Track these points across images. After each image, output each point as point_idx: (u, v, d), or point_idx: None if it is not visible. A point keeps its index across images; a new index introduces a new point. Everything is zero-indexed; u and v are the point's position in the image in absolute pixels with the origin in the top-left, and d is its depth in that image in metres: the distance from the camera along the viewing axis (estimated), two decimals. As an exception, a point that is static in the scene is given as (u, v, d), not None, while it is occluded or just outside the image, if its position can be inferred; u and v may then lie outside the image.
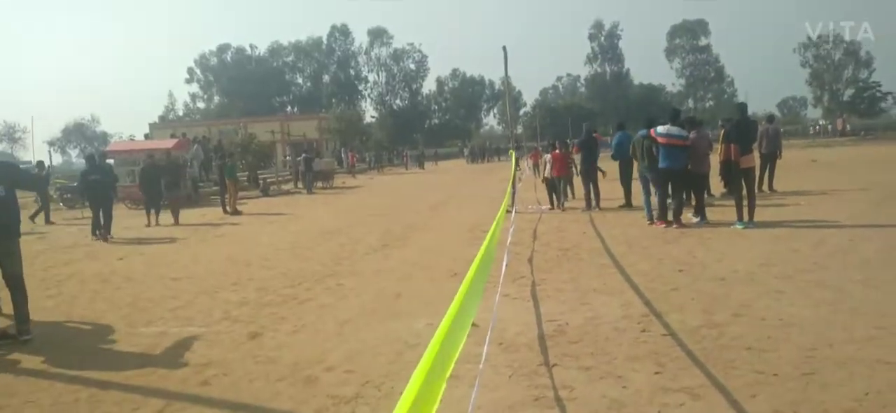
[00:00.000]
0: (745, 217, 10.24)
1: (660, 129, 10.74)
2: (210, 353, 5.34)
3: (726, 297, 6.19)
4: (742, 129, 10.39)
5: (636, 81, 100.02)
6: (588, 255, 8.79)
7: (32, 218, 17.43)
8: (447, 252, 9.72)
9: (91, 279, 8.94)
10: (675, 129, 10.67)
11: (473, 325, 5.64)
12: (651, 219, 11.05)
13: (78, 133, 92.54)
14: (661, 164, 10.71)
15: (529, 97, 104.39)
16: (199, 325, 6.22)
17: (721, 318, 5.55)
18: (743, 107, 11.07)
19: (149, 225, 15.30)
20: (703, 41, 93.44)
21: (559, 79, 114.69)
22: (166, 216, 16.03)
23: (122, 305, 7.27)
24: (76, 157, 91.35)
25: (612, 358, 4.72)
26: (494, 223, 3.92)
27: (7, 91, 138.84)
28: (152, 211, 15.87)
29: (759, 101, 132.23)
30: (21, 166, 6.53)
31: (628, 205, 13.59)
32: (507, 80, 16.90)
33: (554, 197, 14.55)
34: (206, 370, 4.91)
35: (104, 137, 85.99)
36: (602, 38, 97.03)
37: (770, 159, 15.37)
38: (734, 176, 10.60)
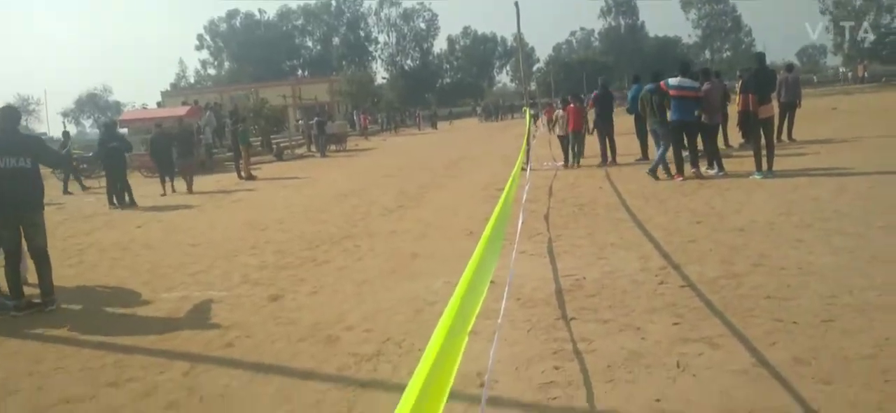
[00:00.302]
0: (764, 166, 10.14)
1: (671, 81, 10.63)
2: (232, 316, 5.42)
3: (745, 248, 6.16)
4: (760, 78, 10.23)
5: (651, 34, 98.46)
6: (604, 210, 8.76)
7: (65, 191, 17.77)
8: (462, 211, 9.73)
9: (111, 247, 9.06)
10: (686, 81, 10.55)
11: (491, 281, 5.68)
12: (668, 173, 10.95)
13: (91, 103, 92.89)
14: (673, 117, 10.60)
15: (542, 53, 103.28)
16: (220, 290, 6.30)
17: (740, 268, 5.53)
18: (761, 56, 10.90)
19: (164, 194, 15.23)
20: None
21: (573, 33, 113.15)
22: (181, 184, 15.97)
23: (143, 272, 7.37)
24: (90, 128, 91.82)
25: (630, 310, 4.73)
26: (509, 181, 3.90)
27: (20, 64, 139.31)
28: (166, 179, 15.76)
29: (779, 50, 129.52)
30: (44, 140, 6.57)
31: (645, 158, 13.49)
32: (519, 37, 16.67)
33: (570, 153, 14.28)
34: (228, 333, 4.98)
35: (117, 107, 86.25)
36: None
37: (789, 108, 15.16)
38: (753, 126, 10.46)
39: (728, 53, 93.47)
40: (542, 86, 74.46)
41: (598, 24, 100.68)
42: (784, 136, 14.98)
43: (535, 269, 6.02)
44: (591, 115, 14.41)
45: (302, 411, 3.59)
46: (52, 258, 6.32)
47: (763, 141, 10.25)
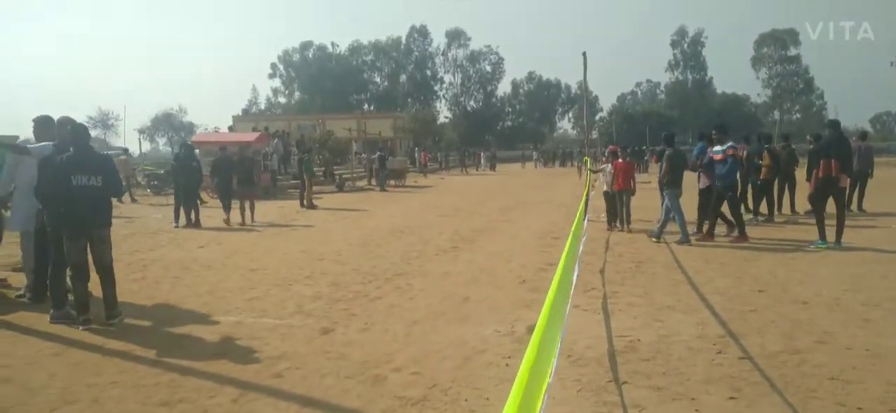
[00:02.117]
0: (832, 238, 9.76)
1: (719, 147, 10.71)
2: (283, 345, 5.51)
3: (809, 322, 5.91)
4: (841, 145, 9.94)
5: (719, 90, 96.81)
6: (662, 270, 8.57)
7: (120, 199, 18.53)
8: (516, 258, 9.67)
9: (173, 266, 9.37)
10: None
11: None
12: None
13: (166, 122, 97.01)
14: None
15: (606, 102, 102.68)
16: (274, 318, 6.42)
17: (803, 344, 5.30)
18: (836, 123, 10.63)
19: (227, 220, 14.40)
20: (792, 51, 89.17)
21: (638, 85, 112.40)
22: (236, 214, 14.69)
23: (202, 293, 7.59)
24: (163, 146, 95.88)
25: (686, 379, 4.58)
26: (570, 237, 3.87)
27: (103, 79, 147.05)
28: (226, 205, 14.77)
29: (851, 115, 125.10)
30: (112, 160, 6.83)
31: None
32: (585, 85, 16.68)
33: (621, 213, 12.44)
34: (278, 363, 5.06)
35: (190, 127, 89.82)
36: (685, 45, 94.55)
37: (861, 178, 14.60)
38: (822, 193, 10.08)
39: (798, 115, 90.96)
40: (605, 135, 73.95)
41: (664, 78, 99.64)
42: (854, 207, 14.41)
43: (588, 326, 5.91)
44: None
45: (345, 451, 3.60)
46: (117, 272, 6.56)
47: (835, 210, 9.91)
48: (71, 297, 6.38)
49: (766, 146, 13.29)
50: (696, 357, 5.05)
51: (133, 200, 20.89)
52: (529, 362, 1.75)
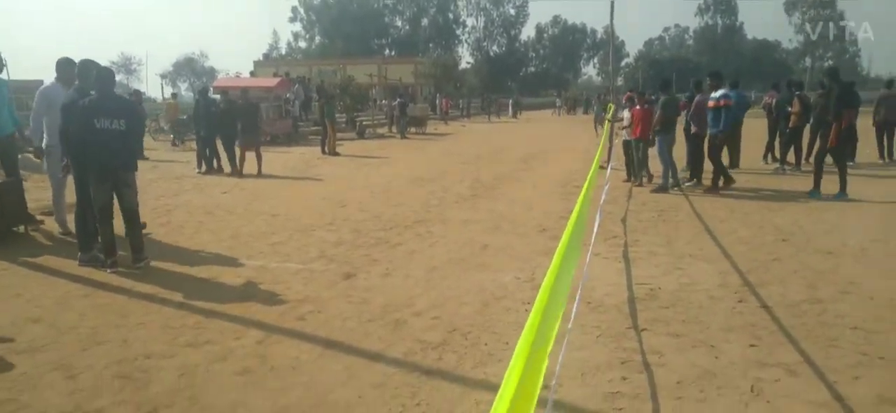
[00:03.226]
0: (829, 190, 9.72)
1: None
2: (306, 289, 5.59)
3: (833, 272, 5.86)
4: (852, 96, 9.79)
5: (750, 36, 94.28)
6: (685, 219, 8.51)
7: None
8: (537, 206, 9.65)
9: (197, 211, 9.49)
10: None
11: (561, 281, 5.63)
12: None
13: (187, 67, 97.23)
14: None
15: (633, 48, 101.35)
16: (297, 262, 6.51)
17: (826, 293, 5.27)
18: (834, 71, 10.68)
19: (238, 171, 13.65)
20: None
21: (666, 30, 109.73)
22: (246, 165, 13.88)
23: (226, 238, 7.69)
24: (185, 91, 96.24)
25: (705, 327, 4.59)
26: (586, 182, 3.83)
27: (125, 23, 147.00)
28: (229, 156, 14.10)
29: (884, 64, 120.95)
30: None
31: (733, 165, 13.03)
32: (611, 30, 16.31)
33: (632, 165, 11.87)
34: (301, 306, 5.15)
35: (212, 72, 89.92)
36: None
37: (888, 127, 14.25)
38: (843, 142, 9.85)
39: (830, 62, 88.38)
40: (630, 81, 72.66)
41: (693, 22, 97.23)
42: (885, 156, 14.11)
43: (608, 274, 5.91)
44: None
45: (367, 391, 3.68)
46: (145, 216, 6.66)
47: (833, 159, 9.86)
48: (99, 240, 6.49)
49: (798, 93, 12.97)
50: (716, 305, 5.04)
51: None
52: (541, 304, 1.75)
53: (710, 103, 10.54)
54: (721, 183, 10.63)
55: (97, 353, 4.25)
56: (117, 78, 6.91)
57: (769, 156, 14.25)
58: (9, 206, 7.37)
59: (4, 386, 3.76)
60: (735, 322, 4.68)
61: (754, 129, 14.61)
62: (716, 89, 10.66)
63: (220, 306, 5.16)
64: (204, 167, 14.36)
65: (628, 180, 11.87)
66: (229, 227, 8.31)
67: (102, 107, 6.04)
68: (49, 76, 8.69)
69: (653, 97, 12.45)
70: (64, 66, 7.11)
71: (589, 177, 4.28)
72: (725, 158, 12.53)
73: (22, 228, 7.58)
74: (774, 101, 13.96)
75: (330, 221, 8.59)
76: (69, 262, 6.47)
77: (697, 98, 11.16)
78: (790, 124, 12.86)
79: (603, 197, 8.09)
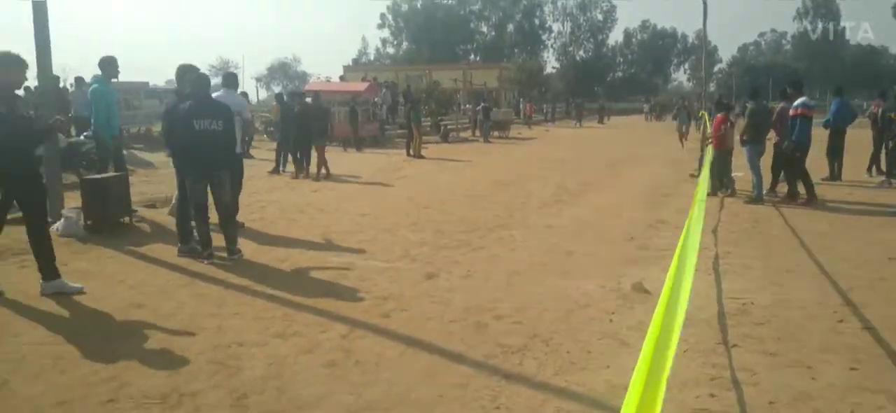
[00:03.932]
0: None
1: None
2: (390, 287, 5.70)
3: (948, 296, 5.44)
4: None
5: (853, 41, 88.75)
6: (781, 231, 8.11)
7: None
8: (624, 214, 9.45)
9: (289, 208, 9.84)
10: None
11: (646, 291, 5.49)
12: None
13: (281, 71, 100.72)
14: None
15: (726, 53, 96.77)
16: (382, 261, 6.64)
17: (939, 318, 4.89)
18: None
19: (305, 174, 13.56)
20: (943, -3, 79.89)
21: (762, 35, 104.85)
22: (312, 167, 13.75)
23: (316, 235, 7.94)
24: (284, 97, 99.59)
25: (802, 346, 4.36)
26: (695, 202, 3.72)
27: (223, 30, 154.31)
28: (303, 160, 13.82)
29: None
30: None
31: (835, 178, 12.33)
32: (704, 34, 15.73)
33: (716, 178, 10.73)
34: (385, 304, 5.25)
35: (304, 76, 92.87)
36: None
37: None
38: None
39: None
40: (723, 87, 69.85)
41: (791, 27, 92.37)
42: None
43: (697, 286, 5.67)
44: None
45: (448, 391, 3.71)
46: (239, 211, 6.92)
47: None
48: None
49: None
50: (814, 324, 4.78)
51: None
52: (657, 325, 1.75)
53: (791, 112, 10.06)
54: (800, 196, 10.13)
55: (194, 340, 4.48)
56: (215, 81, 7.29)
57: (874, 168, 13.37)
58: (115, 199, 7.87)
59: (109, 365, 4.01)
60: (834, 343, 4.42)
61: (859, 139, 13.75)
62: (795, 98, 10.15)
63: (308, 300, 5.33)
64: (290, 168, 14.07)
65: (711, 194, 10.61)
66: (319, 224, 8.58)
67: (200, 109, 6.37)
68: (152, 78, 9.28)
69: (725, 102, 11.94)
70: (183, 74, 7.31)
71: (698, 197, 4.08)
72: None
73: (127, 220, 8.08)
74: (881, 110, 13.09)
75: (414, 222, 8.71)
76: (169, 253, 6.85)
77: (781, 106, 10.70)
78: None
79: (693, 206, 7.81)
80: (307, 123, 13.61)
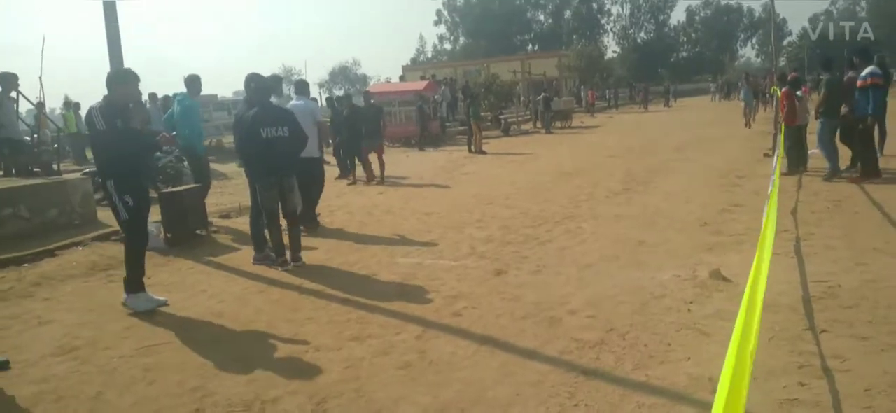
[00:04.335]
0: None
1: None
2: (459, 286, 5.71)
3: None
4: None
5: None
6: (865, 209, 7.70)
7: None
8: (695, 198, 9.17)
9: (358, 211, 9.98)
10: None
11: (725, 279, 5.30)
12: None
13: (342, 75, 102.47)
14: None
15: (795, 26, 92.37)
16: (450, 259, 6.66)
17: None
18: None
19: (354, 181, 13.33)
20: None
21: (833, 3, 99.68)
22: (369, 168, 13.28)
23: (384, 235, 8.04)
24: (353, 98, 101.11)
25: (896, 329, 4.12)
26: (773, 188, 3.57)
27: (285, 36, 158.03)
28: (349, 164, 13.70)
29: None
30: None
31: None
32: (772, 7, 15.10)
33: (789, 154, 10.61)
34: (456, 302, 5.26)
35: (364, 79, 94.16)
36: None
37: None
38: None
39: None
40: (793, 62, 66.84)
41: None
42: None
43: (779, 271, 5.46)
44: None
45: (524, 389, 3.68)
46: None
47: None
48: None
49: None
50: (909, 306, 4.51)
51: None
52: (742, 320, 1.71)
53: (859, 83, 9.46)
54: (857, 171, 9.63)
55: (272, 346, 4.61)
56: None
57: None
58: (192, 211, 8.17)
59: (194, 374, 4.18)
60: (934, 325, 4.16)
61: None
62: (863, 68, 9.55)
63: (381, 302, 5.40)
64: (346, 175, 13.89)
65: (786, 173, 10.47)
66: (386, 225, 8.68)
67: (266, 117, 6.52)
68: (220, 90, 9.65)
69: (794, 78, 11.34)
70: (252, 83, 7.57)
71: (774, 182, 3.91)
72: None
73: (203, 231, 8.38)
74: None
75: (479, 218, 8.71)
76: (245, 261, 7.06)
77: (848, 76, 10.08)
78: None
79: (769, 188, 7.51)
80: (356, 126, 13.24)
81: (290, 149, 6.70)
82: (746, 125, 19.18)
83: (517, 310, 5.01)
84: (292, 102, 8.76)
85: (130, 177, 5.52)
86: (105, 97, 5.43)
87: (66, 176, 11.75)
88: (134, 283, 5.57)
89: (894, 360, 3.70)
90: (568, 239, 7.27)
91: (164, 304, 5.62)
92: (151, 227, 7.97)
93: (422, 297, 5.50)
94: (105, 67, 8.39)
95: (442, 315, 5.00)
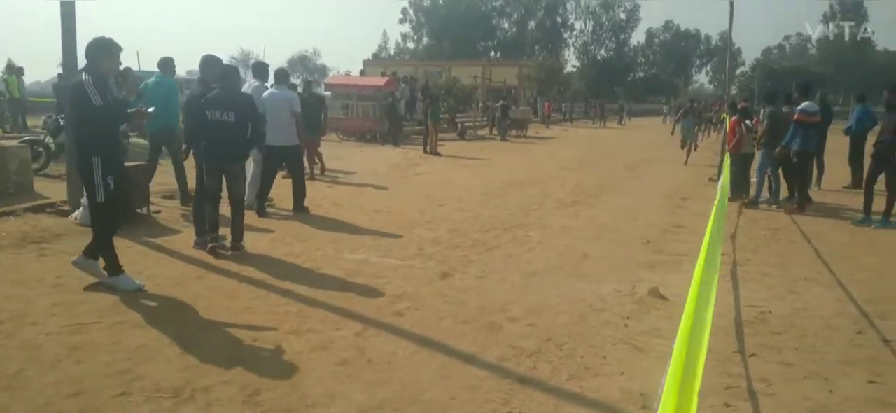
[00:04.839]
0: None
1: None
2: (404, 285, 5.69)
3: (973, 310, 5.32)
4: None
5: (880, 47, 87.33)
6: (802, 239, 8.00)
7: None
8: (641, 217, 9.37)
9: (306, 203, 9.82)
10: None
11: (662, 297, 5.43)
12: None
13: (301, 64, 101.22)
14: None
15: (749, 56, 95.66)
16: (396, 258, 6.63)
17: (963, 333, 4.79)
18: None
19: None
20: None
21: (786, 38, 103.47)
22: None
23: (331, 230, 7.95)
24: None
25: (820, 357, 4.29)
26: (715, 207, 3.68)
27: (245, 21, 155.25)
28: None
29: None
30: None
31: (857, 185, 12.11)
32: (729, 37, 15.53)
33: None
34: (399, 302, 5.24)
35: (323, 70, 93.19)
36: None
37: None
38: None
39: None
40: (745, 91, 69.01)
41: (817, 31, 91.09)
42: None
43: (716, 293, 5.63)
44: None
45: (460, 393, 3.69)
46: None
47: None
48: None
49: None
50: (833, 335, 4.71)
51: None
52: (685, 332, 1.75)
53: (795, 117, 9.92)
54: (795, 203, 10.08)
55: (208, 333, 4.51)
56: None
57: None
58: (134, 188, 7.90)
59: (124, 357, 4.05)
60: (854, 355, 4.35)
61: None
62: (801, 102, 10.07)
63: (323, 296, 5.34)
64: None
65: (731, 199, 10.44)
66: (334, 220, 8.59)
67: (217, 100, 6.36)
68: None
69: (743, 108, 11.64)
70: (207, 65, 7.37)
71: (717, 203, 4.03)
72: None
73: (144, 210, 8.12)
74: None
75: (429, 219, 8.70)
76: (186, 244, 6.88)
77: (785, 110, 10.62)
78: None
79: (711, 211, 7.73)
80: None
81: (232, 135, 6.49)
82: (685, 162, 16.99)
83: (460, 313, 5.02)
84: (270, 91, 9.03)
85: (116, 156, 5.38)
86: (89, 68, 5.15)
87: (3, 142, 11.29)
88: (113, 267, 5.36)
89: (816, 387, 3.85)
90: (515, 246, 7.34)
91: (140, 288, 5.38)
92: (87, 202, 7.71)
93: (365, 294, 5.46)
94: (56, 36, 8.10)
95: (384, 314, 4.98)
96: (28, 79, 23.82)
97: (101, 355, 4.06)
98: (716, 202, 5.12)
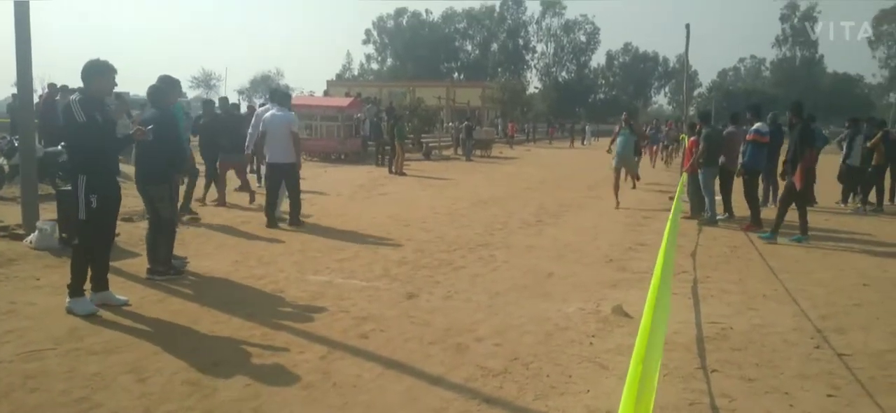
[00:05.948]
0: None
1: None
2: (370, 307, 5.64)
3: (922, 323, 5.51)
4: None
5: (830, 69, 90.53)
6: (760, 257, 8.19)
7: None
8: (603, 236, 9.48)
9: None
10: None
11: (627, 315, 5.50)
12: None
13: (264, 84, 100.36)
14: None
15: (706, 78, 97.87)
16: (361, 280, 6.58)
17: (914, 346, 4.95)
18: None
19: (204, 200, 11.16)
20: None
21: (741, 60, 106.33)
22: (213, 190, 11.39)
23: (295, 252, 7.85)
24: (260, 107, 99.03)
25: (780, 372, 4.38)
26: (668, 224, 3.74)
27: (207, 42, 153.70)
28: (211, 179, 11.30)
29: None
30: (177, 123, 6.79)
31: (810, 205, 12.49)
32: (686, 60, 15.96)
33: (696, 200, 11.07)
34: (365, 324, 5.19)
35: (286, 91, 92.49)
36: (795, 20, 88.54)
37: None
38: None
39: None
40: (702, 113, 70.73)
41: (770, 54, 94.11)
42: None
43: (676, 311, 5.70)
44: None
45: (426, 415, 3.67)
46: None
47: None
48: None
49: (886, 130, 12.38)
50: (791, 350, 4.82)
51: None
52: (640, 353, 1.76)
53: (748, 137, 10.46)
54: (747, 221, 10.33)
55: (168, 359, 4.39)
56: (197, 92, 7.25)
57: (850, 196, 13.59)
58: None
59: (80, 384, 3.92)
60: (812, 369, 4.45)
61: (833, 167, 13.99)
62: (754, 123, 10.60)
63: (287, 320, 5.26)
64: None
65: (688, 216, 10.99)
66: (297, 241, 8.49)
67: (146, 121, 6.13)
68: (133, 88, 9.25)
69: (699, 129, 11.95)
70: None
71: (670, 220, 4.14)
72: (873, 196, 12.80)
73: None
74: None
75: (394, 240, 8.67)
76: (141, 268, 6.70)
77: (729, 130, 11.12)
78: (874, 162, 12.27)
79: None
80: (212, 138, 10.99)
81: (151, 158, 6.25)
82: (616, 206, 12.52)
83: (426, 335, 5.00)
84: (271, 112, 9.59)
85: (102, 176, 5.39)
86: (82, 90, 5.34)
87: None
88: (75, 287, 5.28)
89: (777, 402, 3.93)
90: (481, 266, 7.35)
91: (126, 303, 5.46)
92: (45, 226, 7.50)
93: (330, 316, 5.39)
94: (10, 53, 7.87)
95: (349, 336, 4.93)
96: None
97: (57, 383, 3.93)
98: (669, 220, 5.24)
